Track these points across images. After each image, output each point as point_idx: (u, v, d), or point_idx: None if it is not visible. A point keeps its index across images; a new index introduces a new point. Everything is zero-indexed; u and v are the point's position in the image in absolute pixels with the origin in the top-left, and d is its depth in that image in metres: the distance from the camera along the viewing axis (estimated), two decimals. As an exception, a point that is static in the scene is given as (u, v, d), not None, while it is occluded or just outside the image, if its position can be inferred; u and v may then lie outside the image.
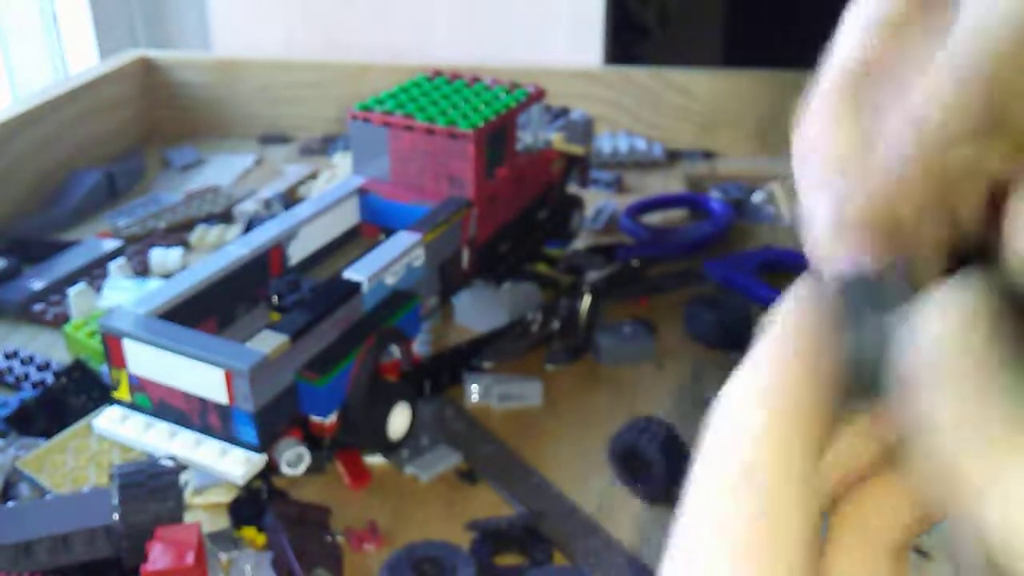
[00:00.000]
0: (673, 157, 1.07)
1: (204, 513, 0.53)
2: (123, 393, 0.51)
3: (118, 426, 0.51)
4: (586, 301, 0.67)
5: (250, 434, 0.48)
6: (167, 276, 0.76)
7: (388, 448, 0.55)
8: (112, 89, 1.06)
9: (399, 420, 0.55)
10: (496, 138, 0.65)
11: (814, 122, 0.19)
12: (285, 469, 0.50)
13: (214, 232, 0.86)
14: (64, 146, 0.97)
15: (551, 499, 0.54)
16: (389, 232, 0.62)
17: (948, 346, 0.15)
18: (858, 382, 0.17)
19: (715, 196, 0.93)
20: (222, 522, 0.52)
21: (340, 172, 0.97)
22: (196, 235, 0.86)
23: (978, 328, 0.15)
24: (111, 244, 0.82)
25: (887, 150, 0.17)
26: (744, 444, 0.18)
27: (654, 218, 0.91)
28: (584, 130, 0.81)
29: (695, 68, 1.10)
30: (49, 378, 0.63)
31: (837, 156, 0.18)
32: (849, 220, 0.18)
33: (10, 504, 0.49)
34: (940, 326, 0.15)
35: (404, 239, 0.58)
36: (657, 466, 0.53)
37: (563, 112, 0.99)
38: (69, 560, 0.46)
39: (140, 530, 0.45)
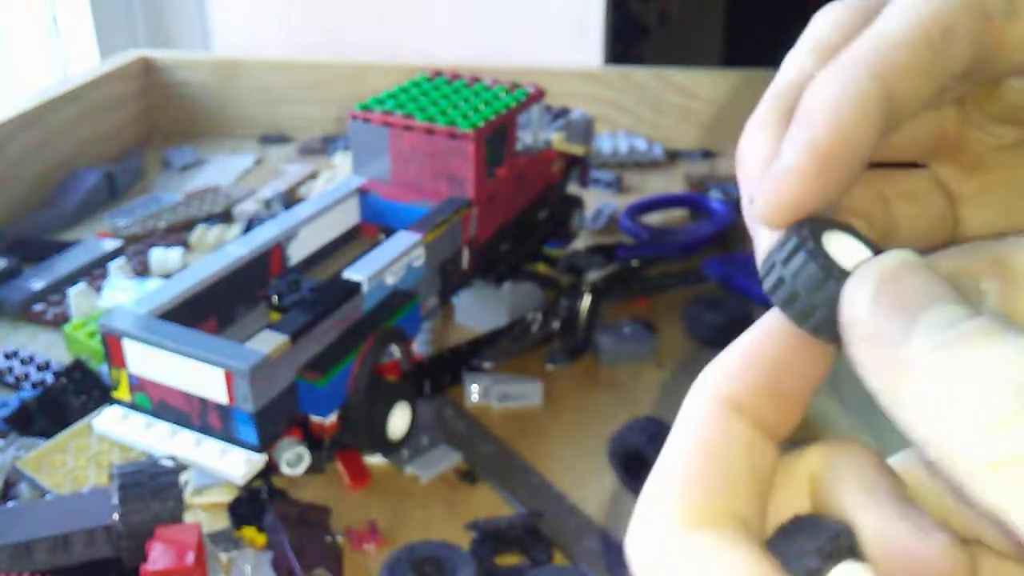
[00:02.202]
0: (673, 157, 1.07)
1: (204, 513, 0.53)
2: (123, 393, 0.51)
3: (118, 426, 0.51)
4: (586, 301, 0.67)
5: (250, 434, 0.48)
6: (167, 276, 0.76)
7: (388, 448, 0.55)
8: (112, 89, 1.06)
9: (399, 420, 0.55)
10: (496, 138, 0.65)
11: (744, 138, 0.21)
12: (285, 469, 0.50)
13: (214, 232, 0.86)
14: (64, 146, 0.97)
15: (551, 499, 0.54)
16: (389, 232, 0.62)
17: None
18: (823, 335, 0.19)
19: (715, 196, 0.93)
20: (222, 522, 0.52)
21: (340, 172, 0.97)
22: (196, 235, 0.86)
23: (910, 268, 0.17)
24: (111, 244, 0.82)
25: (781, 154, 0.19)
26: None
27: (654, 218, 0.91)
28: (584, 130, 0.81)
29: (695, 68, 1.10)
30: (49, 378, 0.63)
31: (751, 167, 0.21)
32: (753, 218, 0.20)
33: (10, 504, 0.49)
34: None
35: (404, 239, 0.58)
36: (657, 466, 0.53)
37: (563, 112, 0.99)
38: (69, 560, 0.46)
39: (140, 530, 0.45)
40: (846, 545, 0.19)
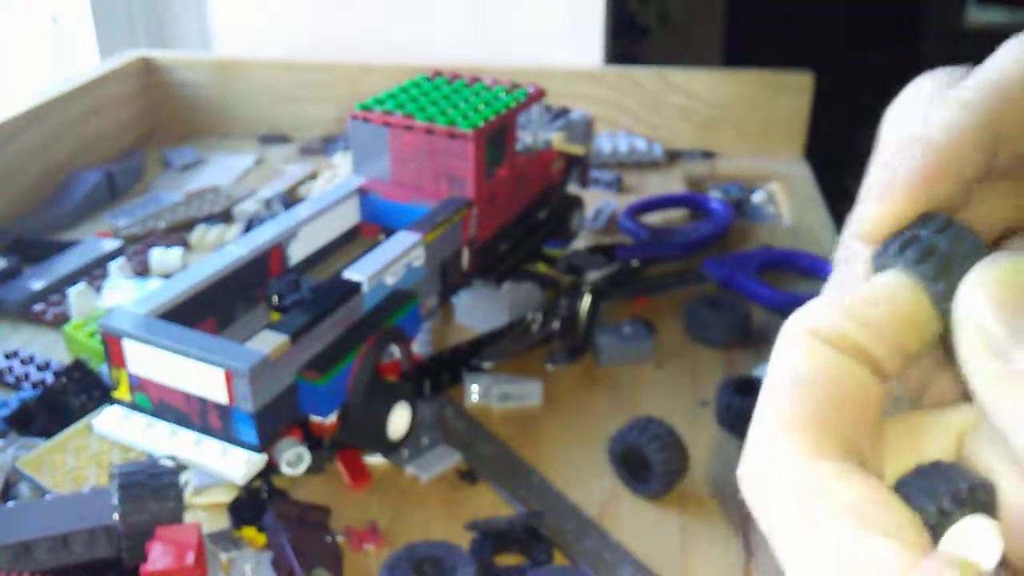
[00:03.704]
0: (673, 157, 1.07)
1: (204, 513, 0.53)
2: (123, 393, 0.51)
3: (118, 426, 0.51)
4: (586, 301, 0.67)
5: (250, 434, 0.48)
6: (167, 276, 0.76)
7: (388, 448, 0.55)
8: (112, 89, 1.06)
9: (399, 420, 0.55)
10: (496, 138, 0.65)
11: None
12: (285, 469, 0.50)
13: (214, 232, 0.86)
14: (64, 146, 0.97)
15: (551, 499, 0.54)
16: (389, 232, 0.62)
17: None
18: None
19: (715, 196, 0.93)
20: (222, 522, 0.52)
21: (340, 172, 0.97)
22: (196, 235, 0.86)
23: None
24: (111, 244, 0.82)
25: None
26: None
27: (654, 218, 0.91)
28: (584, 130, 0.81)
29: (695, 68, 1.10)
30: (49, 378, 0.63)
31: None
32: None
33: (10, 504, 0.49)
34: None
35: (404, 239, 0.58)
36: (657, 466, 0.53)
37: (563, 112, 0.99)
38: (69, 560, 0.46)
39: (140, 530, 0.45)
40: (982, 500, 0.18)
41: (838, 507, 0.17)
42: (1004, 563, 0.19)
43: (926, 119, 0.20)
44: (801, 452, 0.18)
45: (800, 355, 0.19)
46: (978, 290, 0.18)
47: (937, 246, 0.19)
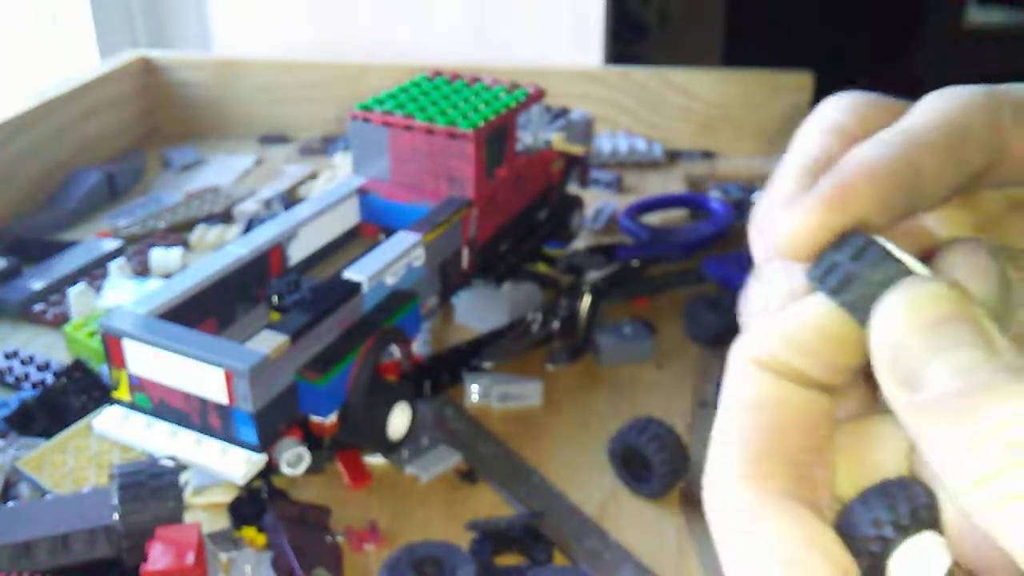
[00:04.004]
0: (673, 157, 1.07)
1: (204, 513, 0.53)
2: (123, 393, 0.51)
3: (118, 426, 0.51)
4: (586, 301, 0.67)
5: (250, 434, 0.48)
6: (167, 276, 0.76)
7: (388, 448, 0.55)
8: (112, 89, 1.06)
9: (399, 420, 0.55)
10: (496, 138, 0.65)
11: (766, 210, 0.22)
12: (285, 469, 0.50)
13: (214, 232, 0.86)
14: (64, 146, 0.97)
15: (551, 499, 0.54)
16: (389, 232, 0.62)
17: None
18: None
19: (715, 196, 0.93)
20: (222, 522, 0.52)
21: (340, 172, 0.97)
22: (196, 235, 0.86)
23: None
24: (111, 244, 0.82)
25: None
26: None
27: (654, 218, 0.91)
28: (584, 130, 0.81)
29: (695, 68, 1.10)
30: (49, 378, 0.63)
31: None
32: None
33: (10, 504, 0.49)
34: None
35: (404, 239, 0.58)
36: (657, 466, 0.53)
37: (563, 112, 0.99)
38: (69, 560, 0.46)
39: (140, 530, 0.45)
40: (927, 518, 0.19)
41: (773, 553, 0.18)
42: (954, 572, 0.19)
43: (853, 154, 0.21)
44: (746, 485, 0.19)
45: (745, 383, 0.20)
46: (887, 320, 0.18)
47: (856, 274, 0.19)
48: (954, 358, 0.17)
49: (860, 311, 0.19)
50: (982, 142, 0.21)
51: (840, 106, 0.24)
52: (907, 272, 0.19)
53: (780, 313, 0.20)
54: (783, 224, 0.20)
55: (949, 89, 0.22)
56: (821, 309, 0.20)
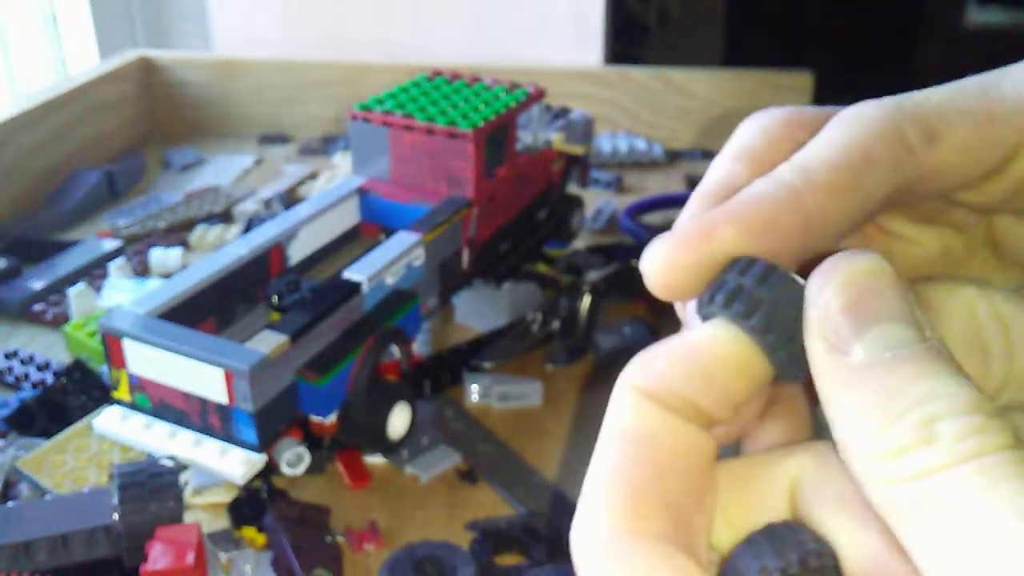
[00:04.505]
0: (673, 157, 1.07)
1: (204, 513, 0.53)
2: (123, 393, 0.51)
3: (118, 426, 0.51)
4: (586, 301, 0.67)
5: (250, 434, 0.48)
6: (167, 276, 0.76)
7: (388, 448, 0.55)
8: (112, 89, 1.06)
9: (399, 420, 0.55)
10: (496, 138, 0.65)
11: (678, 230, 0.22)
12: (285, 469, 0.50)
13: (214, 232, 0.86)
14: (64, 146, 0.97)
15: (551, 499, 0.54)
16: (389, 232, 0.62)
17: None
18: (785, 368, 0.19)
19: (715, 196, 0.93)
20: (222, 522, 0.52)
21: (340, 172, 0.97)
22: (196, 235, 0.86)
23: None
24: (111, 244, 0.82)
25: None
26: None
27: (654, 218, 0.91)
28: (584, 130, 0.81)
29: (695, 68, 1.10)
30: (49, 378, 0.63)
31: None
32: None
33: (10, 504, 0.49)
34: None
35: (404, 239, 0.58)
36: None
37: (563, 112, 0.99)
38: (69, 560, 0.46)
39: (140, 530, 0.45)
40: (815, 566, 0.18)
41: None
42: None
43: (743, 192, 0.21)
44: (620, 526, 0.18)
45: (627, 414, 0.19)
46: (821, 291, 0.18)
47: (762, 298, 0.19)
48: (885, 330, 0.17)
49: (770, 335, 0.19)
50: (885, 169, 0.20)
51: (753, 127, 0.23)
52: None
53: (674, 339, 0.19)
54: (649, 258, 0.20)
55: (854, 111, 0.21)
56: (721, 332, 0.19)
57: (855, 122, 0.21)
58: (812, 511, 0.19)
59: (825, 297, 0.18)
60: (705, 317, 0.20)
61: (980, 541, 0.15)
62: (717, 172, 0.23)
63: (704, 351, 0.19)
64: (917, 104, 0.21)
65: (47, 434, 0.56)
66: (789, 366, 0.19)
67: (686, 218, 0.22)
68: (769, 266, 0.19)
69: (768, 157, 0.22)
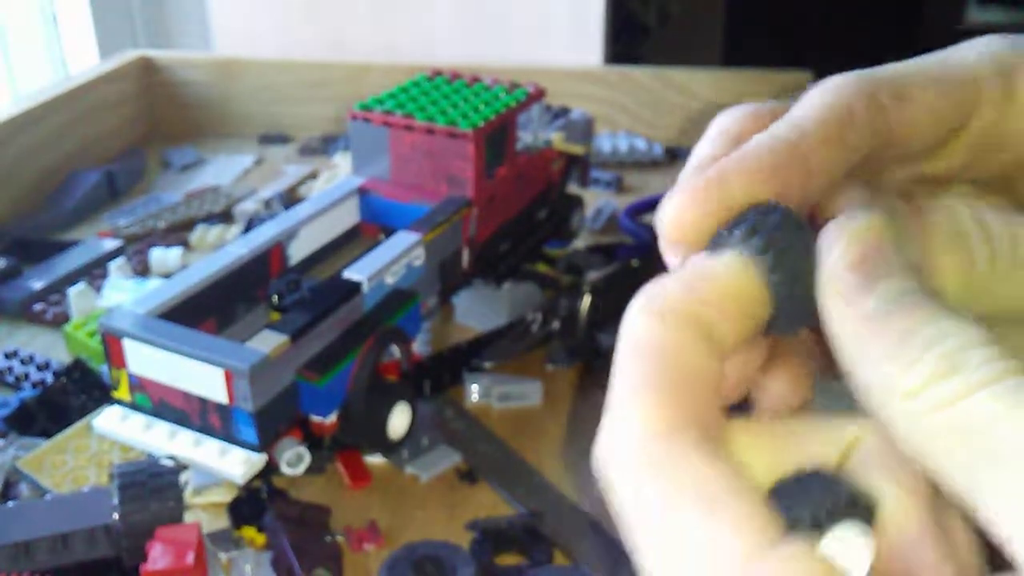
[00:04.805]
0: (673, 157, 1.07)
1: (204, 513, 0.53)
2: (123, 393, 0.51)
3: (118, 426, 0.51)
4: (586, 301, 0.67)
5: (250, 434, 0.48)
6: (167, 276, 0.76)
7: (388, 448, 0.55)
8: (112, 89, 1.06)
9: (399, 420, 0.55)
10: (496, 138, 0.65)
11: (666, 206, 0.23)
12: (285, 469, 0.50)
13: (214, 232, 0.86)
14: (64, 146, 0.97)
15: (551, 499, 0.54)
16: (389, 232, 0.62)
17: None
18: (787, 313, 0.20)
19: (715, 196, 0.93)
20: (222, 522, 0.52)
21: (340, 172, 0.97)
22: (196, 235, 0.86)
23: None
24: (111, 244, 0.82)
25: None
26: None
27: (654, 218, 0.91)
28: (584, 130, 0.81)
29: (695, 68, 1.10)
30: (49, 378, 0.63)
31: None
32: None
33: (10, 504, 0.49)
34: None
35: (404, 239, 0.58)
36: (657, 466, 0.53)
37: (563, 112, 0.99)
38: (69, 560, 0.46)
39: (140, 530, 0.45)
40: (862, 511, 0.18)
41: (684, 486, 0.17)
42: None
43: (739, 151, 0.22)
44: (652, 422, 0.18)
45: (646, 333, 0.19)
46: (834, 244, 0.19)
47: (778, 238, 0.20)
48: (892, 283, 0.18)
49: (777, 273, 0.20)
50: (864, 125, 0.22)
51: (731, 116, 0.25)
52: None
53: (682, 269, 0.20)
54: (666, 210, 0.21)
55: (832, 79, 0.23)
56: (734, 263, 0.20)
57: (834, 88, 0.22)
58: (863, 473, 0.19)
59: (836, 253, 0.19)
60: (717, 251, 0.21)
61: (1010, 457, 0.15)
62: (704, 148, 0.25)
63: (719, 276, 0.20)
64: (886, 71, 0.23)
65: (47, 434, 0.56)
66: (789, 309, 0.20)
67: (688, 176, 0.23)
68: (788, 210, 0.20)
69: (746, 137, 0.23)
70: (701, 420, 0.18)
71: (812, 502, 0.18)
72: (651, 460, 0.18)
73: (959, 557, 0.19)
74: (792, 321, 0.20)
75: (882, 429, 0.18)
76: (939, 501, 0.19)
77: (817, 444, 0.20)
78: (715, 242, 0.21)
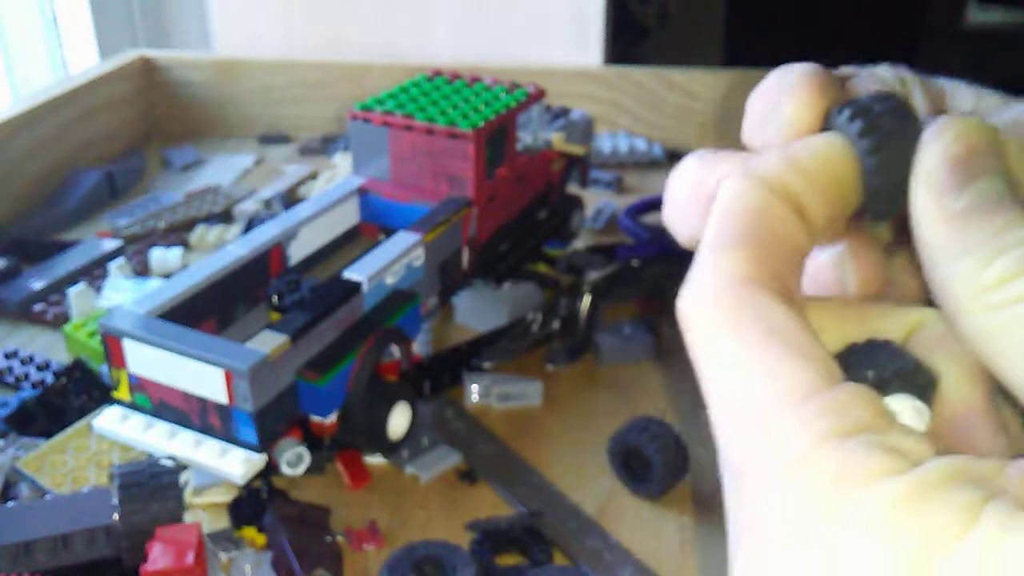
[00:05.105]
0: (673, 157, 1.07)
1: (204, 513, 0.53)
2: (123, 393, 0.51)
3: (118, 426, 0.51)
4: (586, 301, 0.67)
5: (250, 434, 0.48)
6: (167, 276, 0.76)
7: (388, 448, 0.55)
8: (112, 89, 1.06)
9: (399, 420, 0.55)
10: (496, 138, 0.65)
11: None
12: (285, 469, 0.50)
13: (214, 232, 0.86)
14: (64, 146, 0.97)
15: (551, 499, 0.54)
16: (389, 232, 0.62)
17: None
18: (879, 199, 0.20)
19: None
20: (222, 522, 0.52)
21: (340, 172, 0.97)
22: (196, 235, 0.86)
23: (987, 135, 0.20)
24: (111, 244, 0.82)
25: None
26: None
27: (654, 218, 0.91)
28: (584, 130, 0.81)
29: (695, 68, 1.10)
30: (49, 378, 0.63)
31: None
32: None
33: (10, 504, 0.49)
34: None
35: (404, 239, 0.58)
36: (657, 466, 0.53)
37: (563, 112, 0.99)
38: (69, 560, 0.46)
39: (140, 530, 0.45)
40: (922, 383, 0.19)
41: (759, 326, 0.18)
42: None
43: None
44: (736, 271, 0.19)
45: (741, 193, 0.20)
46: (938, 138, 0.20)
47: (884, 124, 0.20)
48: (986, 184, 0.19)
49: (874, 157, 0.20)
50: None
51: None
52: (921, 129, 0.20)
53: (791, 146, 0.21)
54: (786, 105, 0.21)
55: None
56: (836, 145, 0.20)
57: None
58: (927, 352, 0.20)
59: (938, 148, 0.19)
60: (826, 127, 0.21)
61: None
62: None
63: (819, 154, 0.20)
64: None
65: (47, 434, 0.56)
66: (881, 196, 0.20)
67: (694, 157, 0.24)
68: (901, 100, 0.20)
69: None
70: (783, 280, 0.19)
71: (878, 364, 0.19)
72: (731, 303, 0.19)
73: (1011, 434, 0.20)
74: (882, 209, 0.21)
75: (951, 322, 0.19)
76: (994, 391, 0.20)
77: (885, 323, 0.21)
78: (828, 117, 0.21)
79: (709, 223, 0.20)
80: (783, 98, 0.22)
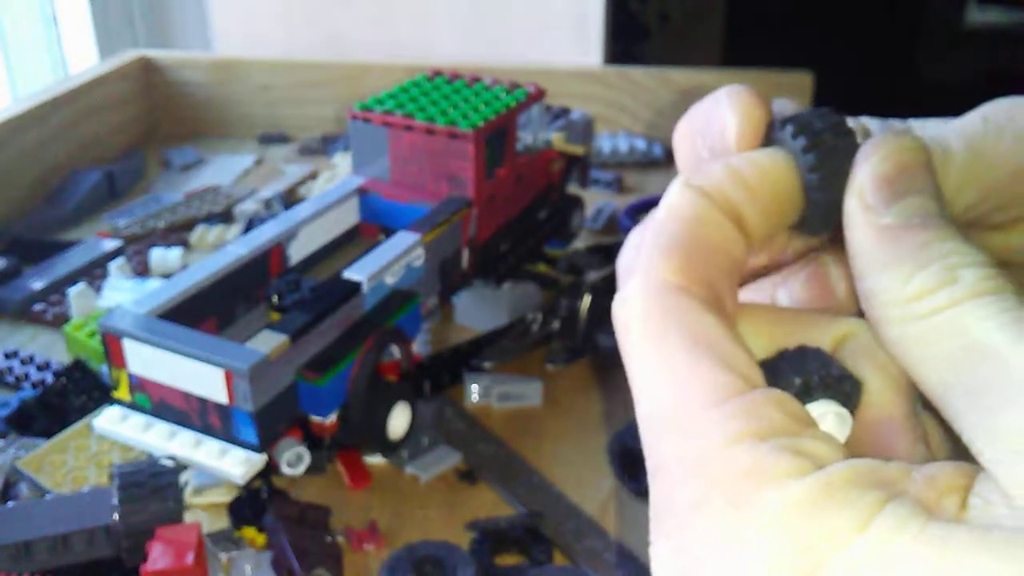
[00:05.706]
0: (673, 157, 1.06)
1: (204, 513, 0.53)
2: (123, 393, 0.51)
3: (118, 426, 0.51)
4: (586, 301, 0.67)
5: (250, 434, 0.48)
6: (167, 276, 0.76)
7: (388, 448, 0.55)
8: (112, 89, 1.06)
9: (399, 420, 0.55)
10: (496, 138, 0.65)
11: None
12: (285, 469, 0.50)
13: (214, 232, 0.86)
14: (64, 146, 0.97)
15: (551, 499, 0.54)
16: (389, 232, 0.62)
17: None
18: (817, 214, 0.21)
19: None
20: (222, 522, 0.52)
21: (340, 172, 0.97)
22: (196, 235, 0.86)
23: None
24: (111, 244, 0.82)
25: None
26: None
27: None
28: (584, 130, 0.81)
29: (695, 68, 1.10)
30: (49, 378, 0.63)
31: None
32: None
33: (10, 504, 0.49)
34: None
35: (404, 239, 0.58)
36: (657, 466, 0.53)
37: (563, 112, 0.99)
38: (69, 560, 0.46)
39: (140, 530, 0.45)
40: (845, 391, 0.20)
41: (682, 329, 0.19)
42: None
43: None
44: (668, 278, 0.19)
45: (681, 201, 0.20)
46: (871, 156, 0.20)
47: (826, 140, 0.21)
48: (914, 201, 0.20)
49: (815, 175, 0.20)
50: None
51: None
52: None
53: (733, 158, 0.21)
54: (729, 118, 0.22)
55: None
56: (779, 157, 0.21)
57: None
58: (852, 361, 0.21)
59: (869, 166, 0.20)
60: (768, 142, 0.22)
61: (984, 359, 0.17)
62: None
63: (760, 167, 0.21)
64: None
65: (47, 434, 0.56)
66: (819, 211, 0.21)
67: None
68: (840, 117, 0.21)
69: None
70: (714, 288, 0.20)
71: (806, 371, 0.19)
72: (659, 307, 0.19)
73: (931, 443, 0.21)
74: (819, 223, 0.21)
75: (875, 330, 0.19)
76: (916, 400, 0.21)
77: (817, 331, 0.22)
78: (772, 130, 0.22)
79: (648, 230, 0.21)
80: (724, 112, 0.22)
